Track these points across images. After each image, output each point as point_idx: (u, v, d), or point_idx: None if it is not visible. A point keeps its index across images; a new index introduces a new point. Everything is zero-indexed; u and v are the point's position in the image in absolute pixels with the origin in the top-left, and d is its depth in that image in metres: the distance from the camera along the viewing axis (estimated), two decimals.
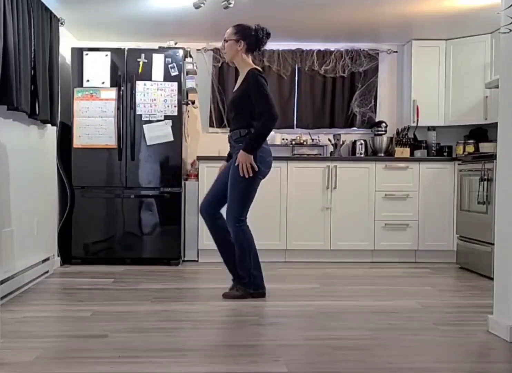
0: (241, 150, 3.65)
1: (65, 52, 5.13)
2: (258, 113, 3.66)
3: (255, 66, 3.81)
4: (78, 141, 5.05)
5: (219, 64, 5.87)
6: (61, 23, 4.74)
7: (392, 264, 5.30)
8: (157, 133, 5.07)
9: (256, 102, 3.66)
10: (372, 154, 5.91)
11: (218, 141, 5.65)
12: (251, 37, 3.80)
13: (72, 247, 5.07)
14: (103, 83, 5.05)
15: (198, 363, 2.53)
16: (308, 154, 5.81)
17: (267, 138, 3.77)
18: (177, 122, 5.10)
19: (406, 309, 3.57)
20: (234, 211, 3.74)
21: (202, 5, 4.36)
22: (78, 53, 5.07)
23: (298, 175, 5.38)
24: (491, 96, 5.33)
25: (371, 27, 5.35)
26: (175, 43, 5.36)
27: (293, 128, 5.96)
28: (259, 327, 3.14)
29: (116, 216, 5.10)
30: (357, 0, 4.51)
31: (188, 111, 5.65)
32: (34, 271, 4.20)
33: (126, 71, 5.07)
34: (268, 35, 3.83)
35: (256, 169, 3.66)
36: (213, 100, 5.90)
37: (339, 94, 5.95)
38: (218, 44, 5.87)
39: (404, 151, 5.76)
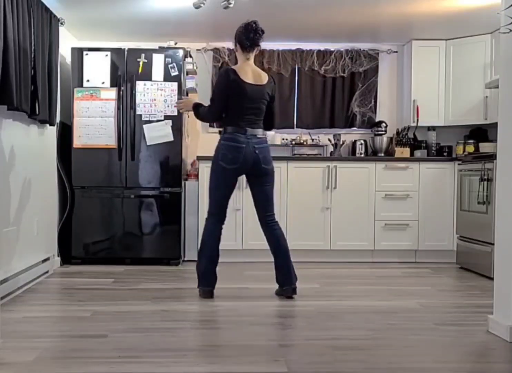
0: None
1: (65, 52, 5.13)
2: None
3: (233, 66, 3.92)
4: (78, 141, 5.05)
5: (219, 64, 5.87)
6: (61, 23, 4.74)
7: (392, 264, 5.30)
8: (157, 133, 5.07)
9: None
10: (372, 154, 5.91)
11: None
12: (240, 35, 3.82)
13: (72, 247, 5.07)
14: (103, 83, 5.05)
15: (198, 363, 2.53)
16: (308, 154, 5.81)
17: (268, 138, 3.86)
18: (177, 122, 5.10)
19: (406, 309, 3.57)
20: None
21: (202, 5, 4.36)
22: (78, 53, 5.07)
23: (298, 175, 5.38)
24: (491, 96, 5.33)
25: (371, 27, 5.35)
26: (175, 43, 5.36)
27: (293, 128, 5.96)
28: (259, 327, 3.14)
29: (116, 216, 5.10)
30: (357, 0, 4.51)
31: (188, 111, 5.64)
32: (34, 271, 4.20)
33: (126, 71, 5.06)
34: (255, 28, 3.78)
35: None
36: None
37: (339, 94, 5.95)
38: (218, 44, 5.89)
39: (404, 151, 5.76)
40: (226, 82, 3.76)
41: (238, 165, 3.77)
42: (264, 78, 3.87)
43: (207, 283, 3.86)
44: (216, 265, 3.88)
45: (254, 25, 3.80)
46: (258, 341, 2.87)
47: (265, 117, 3.91)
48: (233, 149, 3.75)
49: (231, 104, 3.80)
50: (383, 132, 5.85)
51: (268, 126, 4.00)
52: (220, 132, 3.92)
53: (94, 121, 5.04)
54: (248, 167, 3.81)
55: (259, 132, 3.84)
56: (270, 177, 3.91)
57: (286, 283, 3.86)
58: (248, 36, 3.79)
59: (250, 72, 3.82)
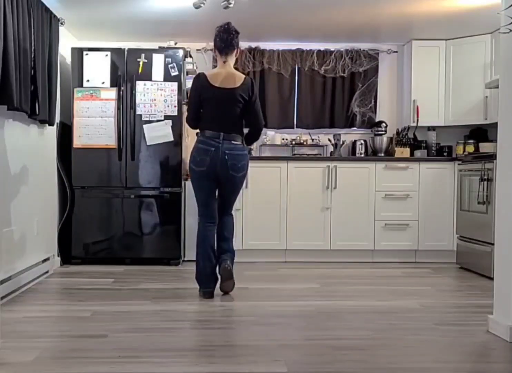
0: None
1: (65, 52, 5.13)
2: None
3: (206, 71, 3.95)
4: (78, 141, 5.05)
5: None
6: (61, 23, 4.74)
7: (392, 264, 5.30)
8: (157, 133, 5.07)
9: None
10: (372, 154, 5.91)
11: None
12: (215, 37, 3.86)
13: (72, 247, 5.07)
14: (103, 83, 5.05)
15: (198, 363, 2.53)
16: (308, 154, 5.81)
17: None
18: (177, 122, 5.10)
19: (406, 309, 3.57)
20: None
21: (202, 5, 4.36)
22: (78, 53, 5.07)
23: (298, 175, 5.37)
24: (491, 96, 5.33)
25: (371, 27, 5.35)
26: (175, 43, 5.36)
27: (293, 128, 5.96)
28: (259, 327, 3.14)
29: (116, 216, 5.10)
30: (357, 0, 4.51)
31: None
32: (34, 271, 4.20)
33: (126, 71, 5.06)
34: (227, 29, 3.80)
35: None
36: None
37: (339, 94, 5.95)
38: None
39: (404, 151, 5.76)
40: (195, 88, 3.82)
41: (205, 168, 3.78)
42: (238, 81, 3.81)
43: (205, 284, 3.86)
44: (214, 266, 3.89)
45: (226, 26, 3.83)
46: (258, 341, 2.87)
47: (247, 118, 3.89)
48: (201, 152, 3.78)
49: (204, 109, 3.83)
50: (383, 132, 5.85)
51: (252, 127, 3.95)
52: (197, 134, 3.93)
53: (94, 121, 5.04)
54: (216, 170, 3.78)
55: (236, 138, 3.82)
56: (236, 185, 3.91)
57: (222, 268, 3.88)
58: (222, 37, 3.81)
59: (222, 76, 3.81)
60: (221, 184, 3.89)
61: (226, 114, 3.80)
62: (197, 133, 3.90)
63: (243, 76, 3.88)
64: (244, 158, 3.85)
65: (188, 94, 3.92)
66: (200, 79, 3.82)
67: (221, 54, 3.85)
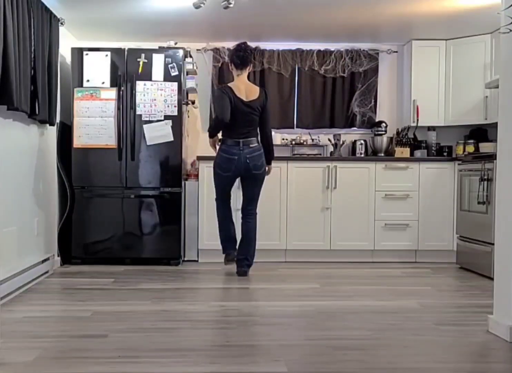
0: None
1: (65, 52, 5.13)
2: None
3: (229, 83, 4.53)
4: (78, 141, 5.05)
5: (219, 64, 5.87)
6: (61, 23, 4.74)
7: (392, 264, 5.30)
8: (157, 133, 5.07)
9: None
10: (372, 154, 5.91)
11: None
12: (232, 54, 4.50)
13: (72, 247, 5.07)
14: (103, 83, 5.05)
15: (198, 363, 2.53)
16: (308, 154, 5.81)
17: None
18: (177, 122, 5.10)
19: (406, 309, 3.57)
20: None
21: (202, 5, 4.36)
22: (78, 53, 5.07)
23: (298, 175, 5.38)
24: (491, 96, 5.33)
25: (371, 27, 5.35)
26: (175, 43, 5.36)
27: (293, 128, 5.96)
28: (259, 327, 3.14)
29: (116, 216, 5.09)
30: (357, 0, 4.51)
31: (188, 111, 5.65)
32: (34, 271, 4.20)
33: (126, 71, 5.06)
34: (244, 48, 4.41)
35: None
36: (213, 100, 5.89)
37: (339, 94, 5.95)
38: (218, 44, 5.89)
39: (404, 151, 5.76)
40: (228, 97, 4.34)
41: (230, 173, 4.44)
42: (255, 93, 4.42)
43: (228, 247, 4.57)
44: (234, 234, 4.62)
45: (243, 45, 4.46)
46: (258, 341, 2.88)
47: (260, 123, 4.47)
48: (226, 161, 4.40)
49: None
50: (383, 132, 5.85)
51: (262, 130, 4.51)
52: (220, 140, 4.50)
53: (94, 121, 5.04)
54: (240, 173, 4.45)
55: (252, 141, 4.43)
56: (259, 180, 4.53)
57: (239, 265, 4.58)
58: (238, 55, 4.43)
59: (243, 89, 4.39)
60: (245, 181, 4.52)
61: (247, 123, 4.40)
62: (219, 140, 4.54)
63: (259, 88, 4.50)
64: (262, 156, 4.48)
65: (214, 106, 4.61)
66: (228, 90, 4.38)
67: (237, 69, 4.46)
